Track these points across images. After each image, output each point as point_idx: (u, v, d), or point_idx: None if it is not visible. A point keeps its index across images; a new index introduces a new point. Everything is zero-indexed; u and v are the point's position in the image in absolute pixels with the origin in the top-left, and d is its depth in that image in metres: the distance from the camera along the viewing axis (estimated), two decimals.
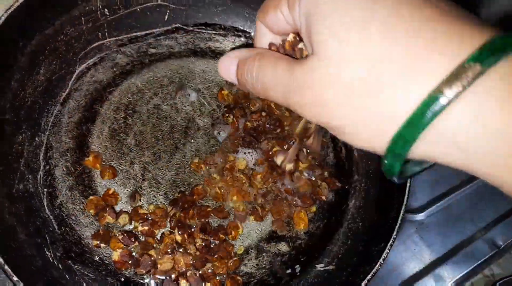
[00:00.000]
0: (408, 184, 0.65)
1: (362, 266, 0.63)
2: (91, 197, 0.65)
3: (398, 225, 0.62)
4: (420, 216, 0.88)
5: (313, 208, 0.74)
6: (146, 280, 0.63)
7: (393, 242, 0.62)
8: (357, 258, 0.66)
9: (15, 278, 0.47)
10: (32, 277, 0.51)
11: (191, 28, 0.81)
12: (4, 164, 0.59)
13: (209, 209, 0.69)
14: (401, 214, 0.63)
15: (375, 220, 0.69)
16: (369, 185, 0.74)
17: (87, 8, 0.71)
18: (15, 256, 0.51)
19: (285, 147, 0.75)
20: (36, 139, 0.66)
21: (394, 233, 0.62)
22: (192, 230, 0.66)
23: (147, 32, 0.78)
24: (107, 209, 0.64)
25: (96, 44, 0.74)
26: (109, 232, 0.64)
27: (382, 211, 0.68)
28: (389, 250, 0.61)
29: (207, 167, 0.73)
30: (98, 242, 0.63)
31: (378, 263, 0.60)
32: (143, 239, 0.65)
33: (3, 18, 0.58)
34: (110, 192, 0.66)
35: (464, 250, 0.86)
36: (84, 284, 0.59)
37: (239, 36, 0.83)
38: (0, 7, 0.73)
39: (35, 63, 0.66)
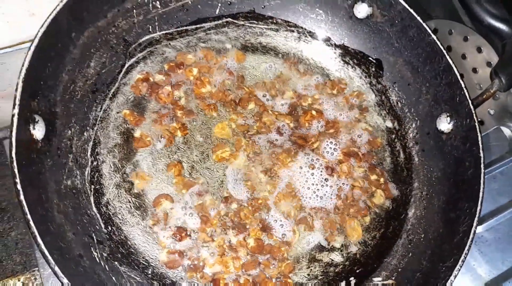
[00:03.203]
0: (481, 194, 0.59)
1: (427, 283, 0.57)
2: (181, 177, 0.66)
3: (471, 239, 0.56)
4: (478, 229, 0.81)
5: (367, 219, 0.69)
6: (188, 284, 0.60)
7: (465, 258, 0.56)
8: (420, 274, 0.61)
9: (65, 280, 0.45)
10: (81, 278, 0.49)
11: (242, 22, 0.78)
12: (54, 159, 0.57)
13: (260, 201, 0.66)
14: (474, 227, 0.57)
15: (440, 233, 0.63)
16: (431, 193, 0.68)
17: (139, 0, 0.68)
18: (64, 256, 0.49)
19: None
20: (85, 134, 0.64)
21: (467, 248, 0.56)
22: (248, 231, 0.63)
23: (198, 26, 0.75)
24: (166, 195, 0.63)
25: (146, 37, 0.72)
26: (167, 216, 0.62)
27: (448, 223, 0.62)
28: (460, 267, 0.55)
29: (256, 168, 0.69)
30: (155, 219, 0.62)
31: (449, 281, 0.54)
32: (194, 236, 0.62)
33: (58, 8, 0.56)
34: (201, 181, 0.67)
35: None
36: None
37: (292, 31, 0.79)
38: None
39: (87, 55, 0.64)
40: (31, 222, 0.45)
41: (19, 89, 0.50)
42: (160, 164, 0.66)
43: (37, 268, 0.93)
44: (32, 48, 0.53)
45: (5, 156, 1.03)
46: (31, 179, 0.50)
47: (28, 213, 0.45)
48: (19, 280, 0.91)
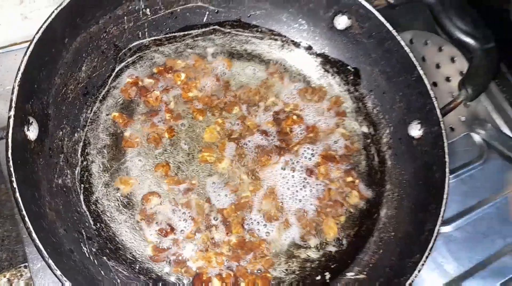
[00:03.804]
0: (445, 196, 0.65)
1: (395, 277, 0.62)
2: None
3: (434, 237, 0.61)
4: (447, 228, 0.86)
5: (342, 218, 0.74)
6: (172, 278, 0.64)
7: (429, 254, 0.61)
8: (389, 269, 0.65)
9: (58, 273, 0.48)
10: (72, 272, 0.52)
11: (228, 30, 0.82)
12: (46, 159, 0.60)
13: (243, 200, 0.70)
14: (437, 226, 0.62)
15: (409, 231, 0.68)
16: (402, 195, 0.73)
17: (130, 7, 0.72)
18: (56, 251, 0.52)
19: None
20: (75, 135, 0.67)
21: (430, 245, 0.61)
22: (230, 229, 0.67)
23: (185, 32, 0.79)
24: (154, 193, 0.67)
25: (136, 43, 0.75)
26: (154, 213, 0.66)
27: (416, 222, 0.68)
28: (425, 262, 0.60)
29: (239, 169, 0.73)
30: (143, 216, 0.65)
31: (413, 275, 0.59)
32: (179, 233, 0.65)
33: (53, 15, 0.59)
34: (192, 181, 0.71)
35: (492, 265, 0.84)
36: (119, 281, 0.59)
37: (275, 39, 0.84)
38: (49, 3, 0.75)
39: (78, 59, 0.67)
40: (26, 218, 0.48)
41: (15, 92, 0.53)
42: (147, 165, 0.70)
43: (23, 265, 0.95)
44: (28, 53, 0.55)
45: None
46: (25, 178, 0.53)
47: (23, 209, 0.48)
48: (4, 277, 0.93)
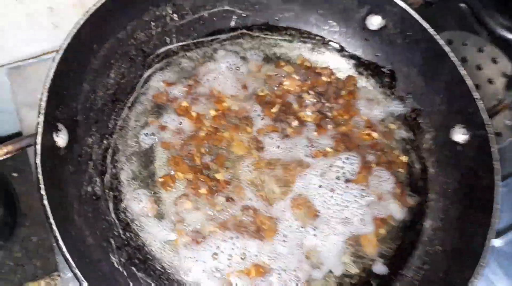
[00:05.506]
0: (495, 206, 0.59)
1: None
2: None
3: (486, 251, 0.56)
4: (499, 242, 0.80)
5: (382, 230, 0.69)
6: None
7: (481, 271, 0.55)
8: None
9: (85, 284, 0.46)
10: (100, 283, 0.50)
11: (256, 34, 0.80)
12: (75, 166, 0.59)
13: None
14: (489, 240, 0.57)
15: (457, 245, 0.62)
16: (447, 205, 0.68)
17: (157, 13, 0.71)
18: (84, 260, 0.50)
19: None
20: (104, 141, 0.66)
21: (482, 260, 0.55)
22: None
23: (213, 37, 0.77)
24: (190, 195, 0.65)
25: (164, 49, 0.74)
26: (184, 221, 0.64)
27: (465, 235, 0.62)
28: (475, 279, 0.55)
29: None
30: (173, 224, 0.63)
31: None
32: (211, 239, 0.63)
33: (81, 22, 0.58)
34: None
35: None
36: None
37: (305, 42, 0.81)
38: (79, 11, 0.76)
39: (107, 66, 0.66)
40: (54, 226, 0.46)
41: (44, 99, 0.52)
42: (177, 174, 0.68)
43: (56, 273, 0.95)
44: (57, 60, 0.55)
45: (28, 164, 1.06)
46: (53, 185, 0.52)
47: (51, 217, 0.47)
48: (39, 285, 0.93)
